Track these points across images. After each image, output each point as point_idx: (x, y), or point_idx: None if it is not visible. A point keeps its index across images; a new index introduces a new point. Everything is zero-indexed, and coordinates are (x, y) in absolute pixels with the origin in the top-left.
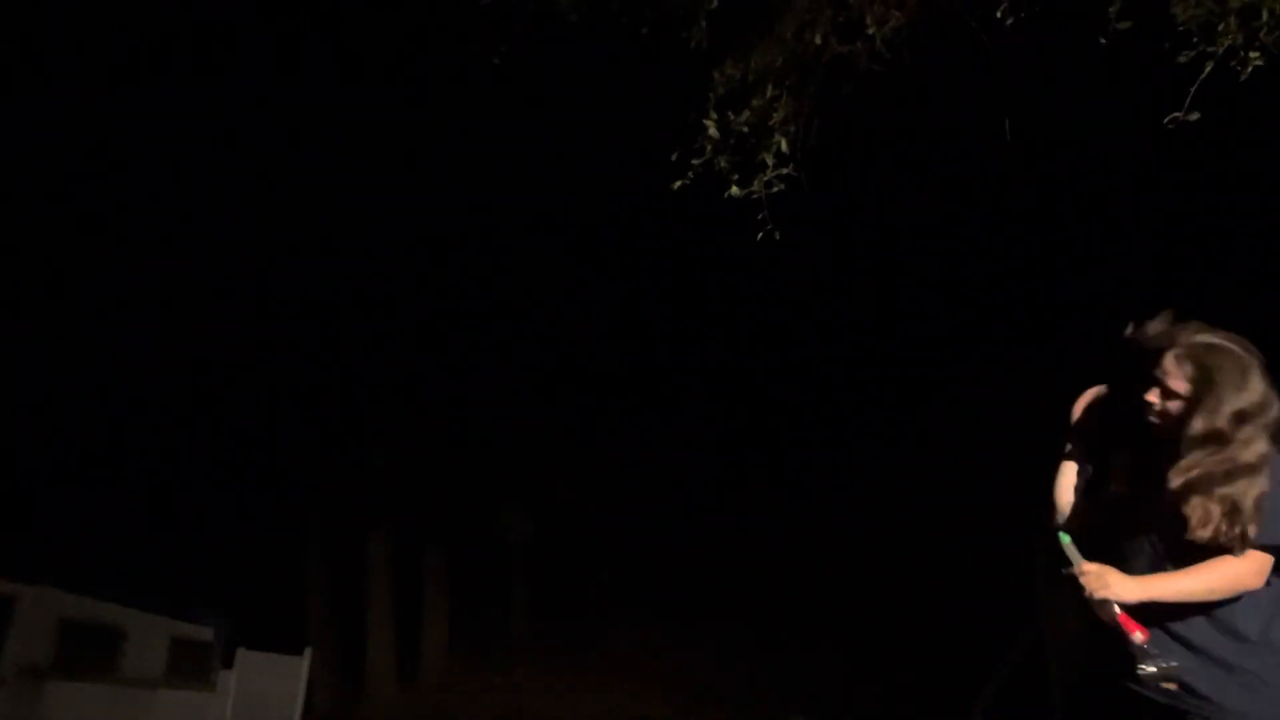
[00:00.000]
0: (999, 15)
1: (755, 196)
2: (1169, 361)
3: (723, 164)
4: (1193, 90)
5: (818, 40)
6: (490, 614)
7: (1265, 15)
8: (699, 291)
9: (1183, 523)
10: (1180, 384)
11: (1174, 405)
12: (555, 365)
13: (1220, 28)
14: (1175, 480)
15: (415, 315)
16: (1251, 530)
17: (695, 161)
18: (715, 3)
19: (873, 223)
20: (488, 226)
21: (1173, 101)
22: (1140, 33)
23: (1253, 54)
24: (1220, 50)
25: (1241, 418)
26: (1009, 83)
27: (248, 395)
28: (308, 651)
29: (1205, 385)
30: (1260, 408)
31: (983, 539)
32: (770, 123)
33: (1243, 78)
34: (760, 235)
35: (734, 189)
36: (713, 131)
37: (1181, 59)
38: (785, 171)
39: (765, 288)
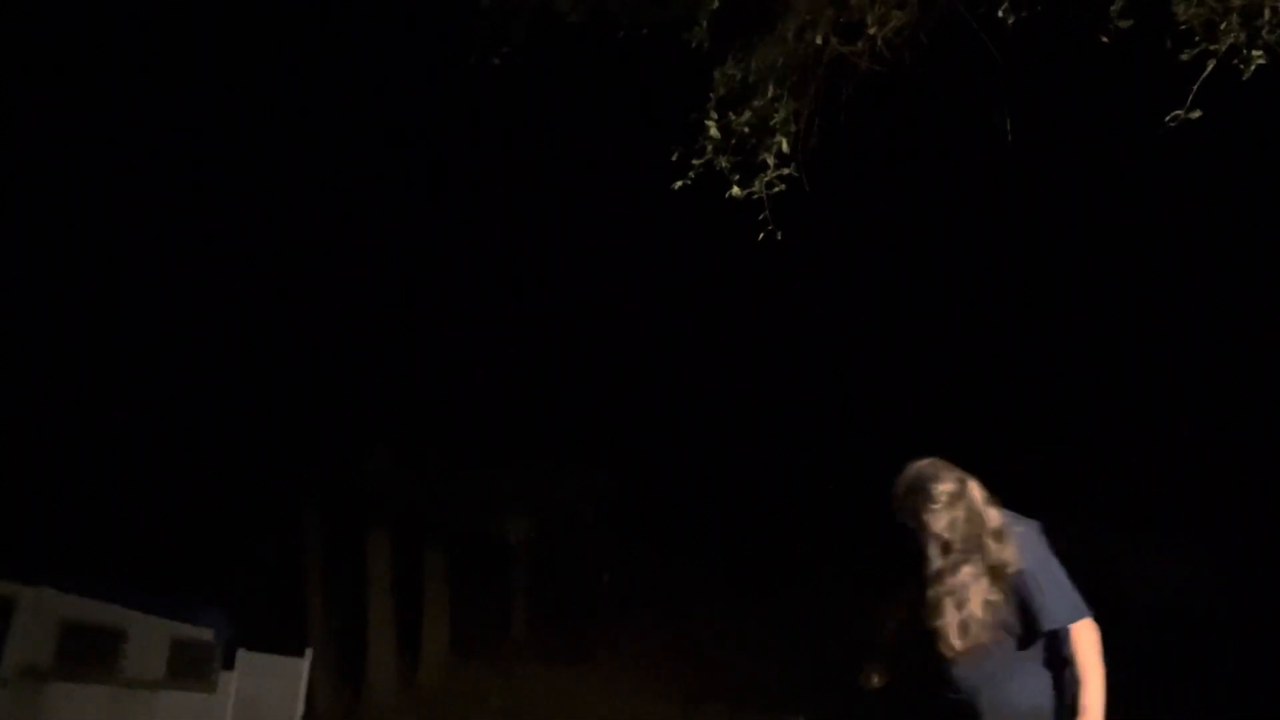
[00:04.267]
0: (1000, 15)
1: (756, 197)
2: (926, 515)
3: (723, 164)
4: (1194, 89)
5: (819, 40)
6: (490, 614)
7: (1267, 14)
8: (700, 291)
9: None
10: (943, 531)
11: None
12: (555, 365)
13: (1222, 26)
14: (979, 609)
15: (415, 314)
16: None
17: (696, 162)
18: (716, 3)
19: (873, 223)
20: (488, 225)
21: (1174, 100)
22: (1142, 31)
23: (1255, 52)
24: (1222, 49)
25: (1000, 536)
26: (1010, 82)
27: (248, 395)
28: (308, 652)
29: (969, 532)
30: (1001, 522)
31: None
32: (771, 123)
33: (1245, 76)
34: (761, 235)
35: (735, 189)
36: (713, 132)
37: (1183, 57)
38: (786, 172)
39: (766, 287)
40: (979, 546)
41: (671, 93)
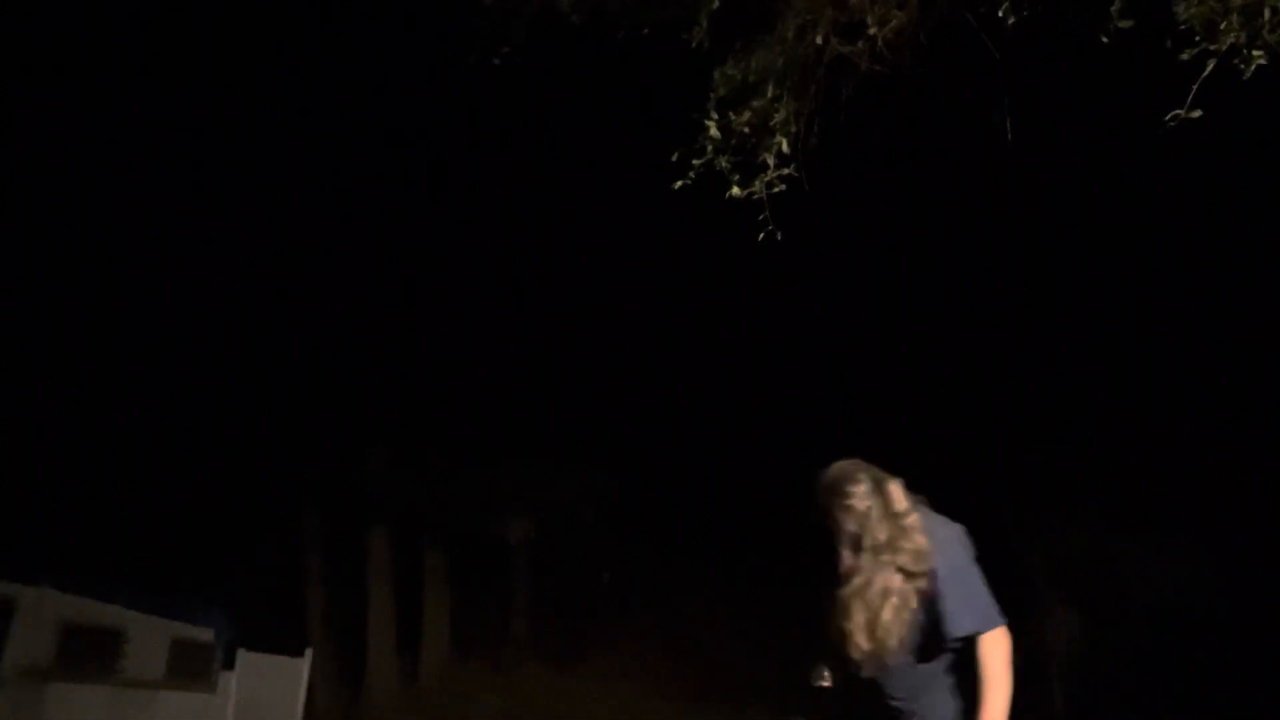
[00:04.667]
0: (1000, 15)
1: (756, 197)
2: (839, 513)
3: (724, 164)
4: (1194, 89)
5: (819, 41)
6: (490, 614)
7: (1267, 13)
8: (700, 291)
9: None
10: (856, 529)
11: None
12: (554, 366)
13: (1222, 26)
14: (888, 611)
15: (415, 315)
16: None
17: (696, 162)
18: (716, 3)
19: (873, 223)
20: (488, 225)
21: (1174, 100)
22: (1142, 31)
23: (1255, 52)
24: (1222, 48)
25: (912, 536)
26: (1010, 82)
27: (248, 396)
28: (308, 653)
29: (881, 531)
30: (914, 521)
31: (982, 541)
32: (771, 123)
33: (1245, 76)
34: (761, 235)
35: (735, 189)
36: (714, 132)
37: (1183, 57)
38: (786, 172)
39: (766, 288)
40: (891, 546)
41: (671, 93)
